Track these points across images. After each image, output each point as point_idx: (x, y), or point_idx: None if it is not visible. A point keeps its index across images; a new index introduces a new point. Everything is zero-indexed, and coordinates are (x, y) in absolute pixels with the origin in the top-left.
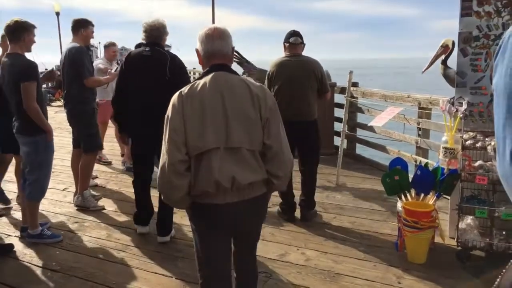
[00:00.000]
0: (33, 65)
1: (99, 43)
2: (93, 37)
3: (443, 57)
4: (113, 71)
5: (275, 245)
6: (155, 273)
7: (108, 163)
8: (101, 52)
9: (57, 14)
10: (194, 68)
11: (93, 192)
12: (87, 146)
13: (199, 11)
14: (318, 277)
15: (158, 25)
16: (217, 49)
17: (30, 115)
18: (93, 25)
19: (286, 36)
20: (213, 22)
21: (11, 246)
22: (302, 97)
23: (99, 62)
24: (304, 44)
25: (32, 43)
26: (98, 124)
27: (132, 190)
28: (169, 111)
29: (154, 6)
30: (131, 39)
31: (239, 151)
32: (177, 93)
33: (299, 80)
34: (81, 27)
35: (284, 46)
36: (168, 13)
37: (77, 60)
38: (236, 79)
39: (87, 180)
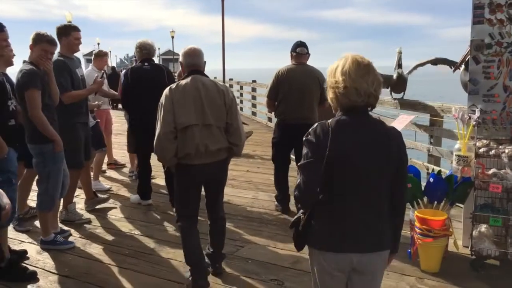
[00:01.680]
0: (34, 73)
1: (110, 51)
2: (79, 43)
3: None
4: (99, 78)
5: (288, 253)
6: (167, 280)
7: (122, 166)
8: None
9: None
10: None
11: (106, 185)
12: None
13: (209, 20)
14: None
15: (152, 43)
16: (195, 62)
17: (34, 124)
18: (77, 31)
19: (293, 46)
20: (223, 31)
21: (24, 252)
22: (308, 102)
23: (90, 71)
24: (309, 54)
25: (44, 54)
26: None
27: None
28: (162, 99)
29: (163, 15)
30: None
31: (211, 127)
32: (168, 88)
33: (306, 86)
34: (62, 35)
35: (291, 55)
36: (177, 22)
37: None
38: (208, 80)
39: (71, 194)
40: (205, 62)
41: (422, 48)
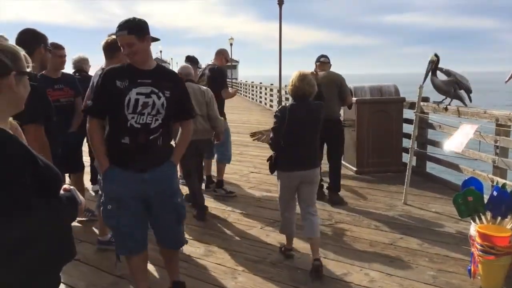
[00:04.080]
0: None
1: (172, 59)
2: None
3: None
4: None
5: (337, 264)
6: (216, 285)
7: None
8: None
9: None
10: (253, 82)
11: None
12: None
13: (266, 27)
14: None
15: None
16: (189, 73)
17: None
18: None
19: (317, 57)
20: (280, 38)
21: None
22: (330, 100)
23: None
24: (331, 64)
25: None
26: None
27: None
28: None
29: (224, 23)
30: (201, 54)
31: (198, 116)
32: None
33: (328, 88)
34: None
35: (316, 65)
36: (236, 29)
37: None
38: (196, 86)
39: None
40: (196, 72)
41: (490, 53)
